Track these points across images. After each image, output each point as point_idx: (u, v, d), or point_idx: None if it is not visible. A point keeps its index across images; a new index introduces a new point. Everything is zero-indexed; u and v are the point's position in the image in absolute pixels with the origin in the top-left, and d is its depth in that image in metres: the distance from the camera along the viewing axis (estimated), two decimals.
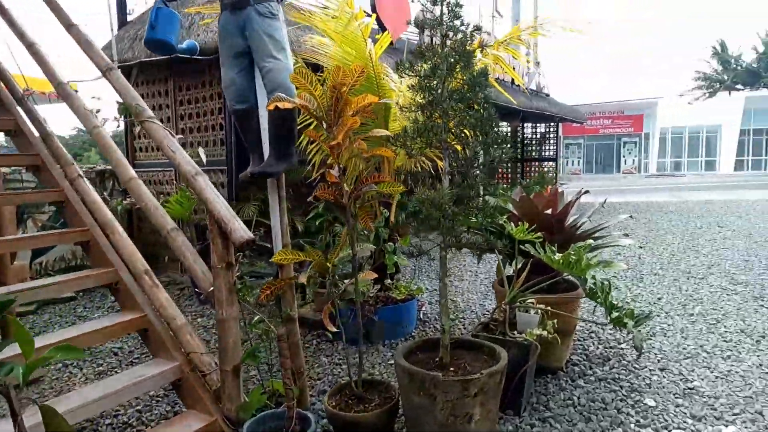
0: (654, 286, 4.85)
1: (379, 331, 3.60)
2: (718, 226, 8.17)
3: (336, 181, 2.33)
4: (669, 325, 3.76)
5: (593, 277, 2.44)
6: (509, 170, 13.72)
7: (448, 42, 2.54)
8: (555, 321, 2.57)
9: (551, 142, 13.40)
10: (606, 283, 2.45)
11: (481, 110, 2.44)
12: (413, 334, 3.74)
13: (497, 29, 16.03)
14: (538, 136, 13.62)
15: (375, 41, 3.81)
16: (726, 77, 39.66)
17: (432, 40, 2.75)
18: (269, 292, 2.29)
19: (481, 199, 2.41)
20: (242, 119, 2.53)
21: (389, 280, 3.75)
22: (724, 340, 3.43)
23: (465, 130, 2.49)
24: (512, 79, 9.80)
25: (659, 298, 4.43)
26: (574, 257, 2.36)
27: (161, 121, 5.69)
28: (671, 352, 3.27)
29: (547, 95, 11.77)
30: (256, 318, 2.28)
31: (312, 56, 3.93)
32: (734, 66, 39.20)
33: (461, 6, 2.58)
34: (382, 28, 6.68)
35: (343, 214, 2.30)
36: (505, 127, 13.23)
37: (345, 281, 2.58)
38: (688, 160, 32.10)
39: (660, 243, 6.98)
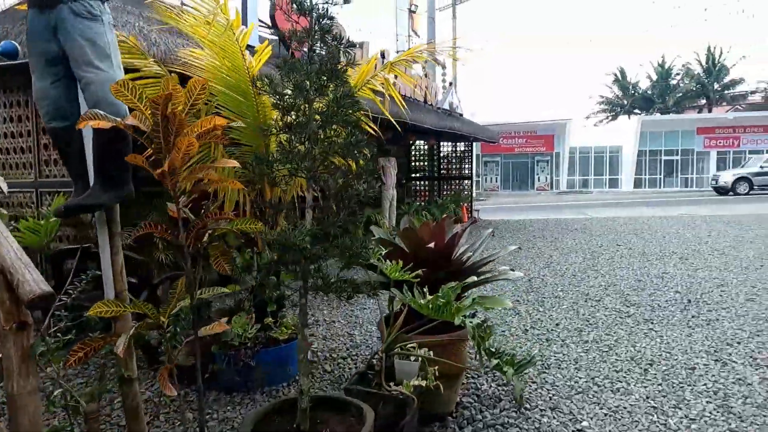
0: (554, 310, 4.83)
1: (258, 377, 3.20)
2: (616, 245, 8.53)
3: (174, 215, 1.95)
4: (564, 354, 3.68)
5: (470, 320, 2.22)
6: (426, 189, 13.78)
7: (316, 57, 2.26)
8: (436, 368, 2.32)
9: (467, 160, 13.63)
10: (484, 325, 2.24)
11: (350, 135, 2.17)
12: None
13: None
14: (456, 154, 13.81)
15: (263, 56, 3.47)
16: (626, 102, 43.22)
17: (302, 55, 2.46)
18: (82, 355, 1.85)
19: (349, 235, 2.12)
20: (60, 140, 2.08)
21: (270, 318, 3.37)
22: (615, 370, 3.38)
23: (332, 158, 2.21)
24: (425, 99, 9.81)
25: (557, 324, 4.38)
26: (442, 300, 2.13)
27: (20, 135, 4.98)
28: (563, 386, 3.15)
29: (461, 115, 11.96)
30: (56, 391, 1.82)
31: (184, 69, 3.51)
32: (632, 92, 42.82)
33: (332, 18, 2.31)
34: (284, 43, 6.36)
35: (180, 256, 1.92)
36: (422, 145, 13.29)
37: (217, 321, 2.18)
38: (595, 178, 34.31)
39: (564, 262, 7.12)
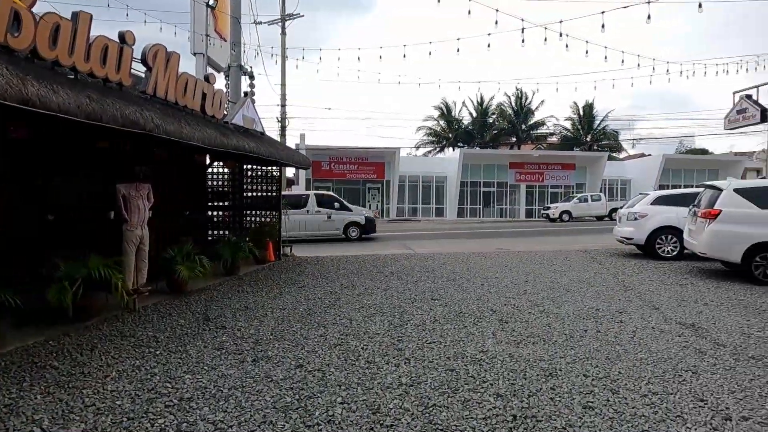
0: None
1: None
2: (432, 299, 7.11)
3: None
4: None
5: None
6: (228, 220, 11.25)
7: None
8: None
9: (273, 187, 11.48)
10: None
11: None
12: None
13: (218, 53, 13.76)
14: (264, 180, 11.57)
15: None
16: (451, 135, 45.84)
17: None
18: None
19: None
20: None
21: None
22: None
23: None
24: (202, 108, 7.46)
25: None
26: None
27: None
28: None
29: (262, 134, 9.83)
30: None
31: None
32: (456, 127, 45.60)
33: None
34: None
35: None
36: (220, 167, 10.81)
37: None
38: (423, 206, 34.98)
39: (362, 335, 5.32)
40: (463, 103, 45.35)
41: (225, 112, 8.49)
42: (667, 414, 3.39)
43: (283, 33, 27.13)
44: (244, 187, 11.33)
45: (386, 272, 9.58)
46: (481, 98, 44.23)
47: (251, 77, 13.02)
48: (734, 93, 23.68)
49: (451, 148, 44.70)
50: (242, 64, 12.31)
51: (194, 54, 12.72)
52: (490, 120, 45.42)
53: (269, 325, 5.72)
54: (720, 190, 8.87)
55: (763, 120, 22.27)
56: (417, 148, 46.71)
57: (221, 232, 10.87)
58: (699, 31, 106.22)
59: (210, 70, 12.50)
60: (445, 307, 6.57)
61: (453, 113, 45.29)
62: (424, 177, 34.73)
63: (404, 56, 17.92)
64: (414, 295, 7.35)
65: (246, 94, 9.86)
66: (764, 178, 24.32)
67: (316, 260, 11.51)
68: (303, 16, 27.23)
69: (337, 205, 17.57)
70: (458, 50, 14.50)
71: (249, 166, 11.28)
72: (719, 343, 5.00)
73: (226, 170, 11.10)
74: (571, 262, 10.97)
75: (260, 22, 21.12)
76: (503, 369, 4.26)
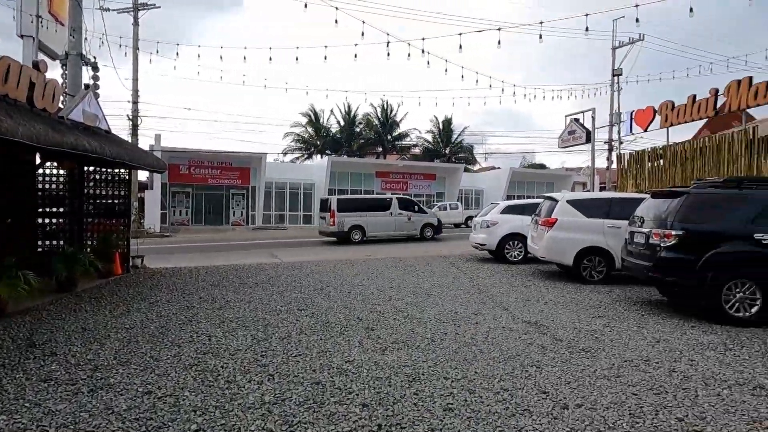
0: None
1: None
2: (298, 310, 6.93)
3: None
4: None
5: None
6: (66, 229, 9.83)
7: None
8: None
9: (122, 191, 10.35)
10: None
11: None
12: None
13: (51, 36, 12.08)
14: (111, 183, 10.36)
15: None
16: (319, 143, 45.89)
17: None
18: None
19: None
20: None
21: None
22: None
23: None
24: (30, 99, 6.44)
25: None
26: None
27: None
28: None
29: (107, 132, 8.79)
30: None
31: None
32: (324, 134, 45.79)
33: None
34: None
35: None
36: (54, 169, 9.44)
37: None
38: (290, 213, 34.37)
39: (222, 353, 4.96)
40: (331, 111, 45.75)
41: (61, 106, 7.43)
42: (516, 409, 3.66)
43: (136, 23, 24.88)
44: (86, 191, 10.01)
45: (250, 283, 9.15)
46: (349, 107, 45.05)
47: (95, 68, 11.58)
48: (566, 116, 27.15)
49: (319, 156, 44.72)
50: (84, 52, 10.89)
51: (21, 36, 10.96)
52: (358, 129, 46.42)
53: (112, 348, 5.07)
54: (556, 201, 10.04)
55: (588, 141, 25.83)
56: (284, 154, 45.95)
57: (55, 242, 9.47)
58: (539, 59, 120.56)
59: (42, 57, 10.90)
60: (312, 318, 6.45)
61: (321, 120, 45.42)
62: (291, 184, 34.17)
63: (270, 59, 17.47)
64: (280, 307, 7.10)
65: (88, 86, 8.73)
66: (589, 191, 28.28)
67: (172, 272, 10.59)
68: (159, 7, 25.13)
69: (415, 207, 20.10)
70: (326, 58, 14.53)
71: (92, 168, 10.01)
72: (557, 338, 5.60)
73: (62, 172, 9.71)
74: (433, 267, 11.56)
75: (108, 9, 19.06)
76: (369, 378, 4.27)
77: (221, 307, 7.07)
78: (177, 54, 30.18)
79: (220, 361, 4.69)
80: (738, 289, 6.27)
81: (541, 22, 12.01)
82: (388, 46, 13.32)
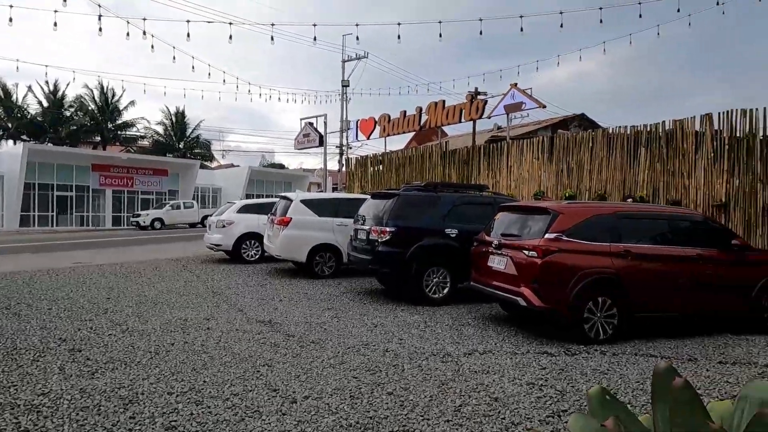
0: None
1: None
2: None
3: None
4: None
5: None
6: None
7: None
8: None
9: None
10: None
11: None
12: None
13: None
14: None
15: None
16: (11, 125, 36.96)
17: None
18: None
19: None
20: None
21: None
22: None
23: None
24: None
25: None
26: None
27: None
28: None
29: None
30: None
31: None
32: (19, 115, 37.13)
33: None
34: None
35: None
36: None
37: None
38: None
39: None
40: (29, 87, 37.26)
41: None
42: (246, 412, 3.59)
43: None
44: None
45: None
46: (56, 86, 37.62)
47: None
48: (301, 119, 28.47)
49: (11, 141, 36.10)
50: None
51: None
52: (68, 113, 39.17)
53: None
54: (291, 200, 10.38)
55: (321, 144, 27.61)
56: None
57: None
58: (275, 61, 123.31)
59: None
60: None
61: (14, 99, 36.70)
62: None
63: None
64: None
65: None
66: (323, 191, 30.33)
67: None
68: None
69: None
70: (11, 20, 11.71)
71: None
72: (289, 334, 5.76)
73: None
74: (162, 272, 10.56)
75: None
76: (71, 410, 3.58)
77: None
78: None
79: None
80: (435, 275, 7.58)
81: (272, 24, 12.27)
82: (100, 20, 11.55)
